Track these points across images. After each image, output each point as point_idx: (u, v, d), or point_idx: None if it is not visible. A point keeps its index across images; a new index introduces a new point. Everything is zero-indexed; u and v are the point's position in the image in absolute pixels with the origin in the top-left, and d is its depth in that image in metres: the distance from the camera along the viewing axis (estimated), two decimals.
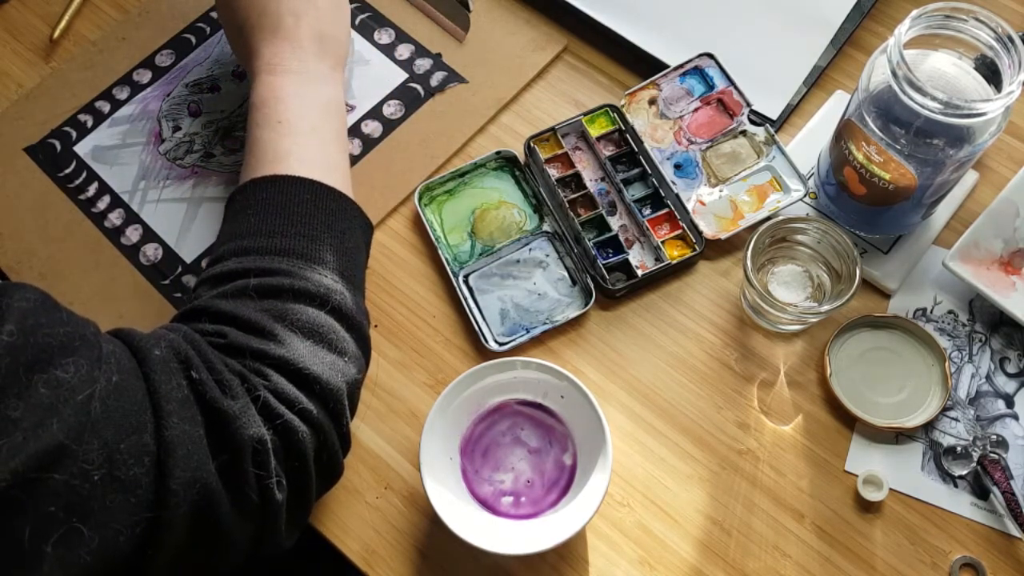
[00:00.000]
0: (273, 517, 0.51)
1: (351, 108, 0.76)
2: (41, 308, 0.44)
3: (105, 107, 0.77)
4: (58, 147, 0.75)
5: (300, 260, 0.56)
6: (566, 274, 0.69)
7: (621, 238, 0.70)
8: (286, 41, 0.65)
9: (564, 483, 0.59)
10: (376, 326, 0.68)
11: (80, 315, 0.48)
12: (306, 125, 0.63)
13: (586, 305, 0.67)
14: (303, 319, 0.54)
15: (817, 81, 0.75)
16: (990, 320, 0.67)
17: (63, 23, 0.81)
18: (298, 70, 0.65)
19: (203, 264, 0.70)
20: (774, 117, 0.73)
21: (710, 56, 0.74)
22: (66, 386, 0.43)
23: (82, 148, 0.75)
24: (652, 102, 0.74)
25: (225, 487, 0.48)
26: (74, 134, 0.76)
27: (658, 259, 0.69)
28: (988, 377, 0.65)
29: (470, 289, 0.69)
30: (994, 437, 0.62)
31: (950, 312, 0.67)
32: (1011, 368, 0.65)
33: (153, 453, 0.46)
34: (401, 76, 0.77)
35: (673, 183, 0.71)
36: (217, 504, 0.48)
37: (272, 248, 0.56)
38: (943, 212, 0.70)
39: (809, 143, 0.72)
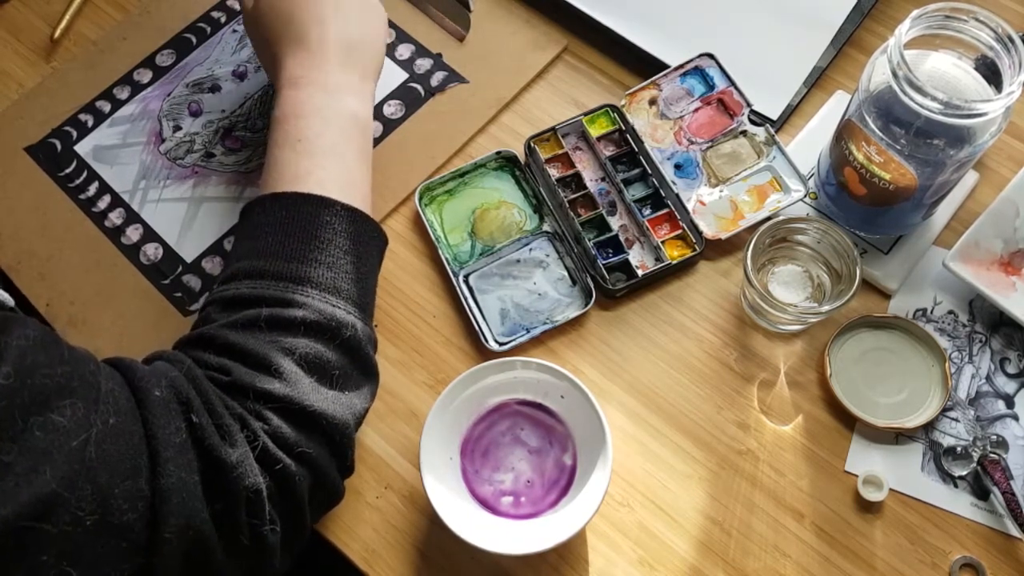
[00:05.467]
0: (267, 557, 0.51)
1: None
2: (40, 346, 0.44)
3: (106, 107, 0.77)
4: (58, 147, 0.75)
5: (315, 289, 0.55)
6: (566, 274, 0.69)
7: (621, 238, 0.70)
8: (311, 52, 0.63)
9: (564, 483, 0.59)
10: (376, 326, 0.68)
11: (80, 348, 0.47)
12: (327, 144, 0.61)
13: (586, 305, 0.67)
14: (312, 354, 0.53)
15: (817, 81, 0.75)
16: (990, 320, 0.67)
17: (64, 23, 0.81)
18: (322, 82, 0.63)
19: (203, 263, 0.70)
20: (774, 117, 0.73)
21: (710, 56, 0.74)
22: (62, 430, 0.42)
23: (82, 148, 0.75)
24: (652, 102, 0.74)
25: (218, 534, 0.48)
26: (74, 134, 0.76)
27: (658, 259, 0.69)
28: (988, 377, 0.65)
29: (470, 289, 0.69)
30: (994, 437, 0.62)
31: (950, 312, 0.67)
32: (1011, 368, 0.65)
33: (147, 499, 0.45)
34: (401, 76, 0.77)
35: (673, 183, 0.71)
36: (210, 550, 0.48)
37: (288, 275, 0.55)
38: (943, 212, 0.70)
39: (809, 143, 0.72)
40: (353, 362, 0.56)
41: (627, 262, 0.69)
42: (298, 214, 0.58)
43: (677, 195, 0.70)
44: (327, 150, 0.61)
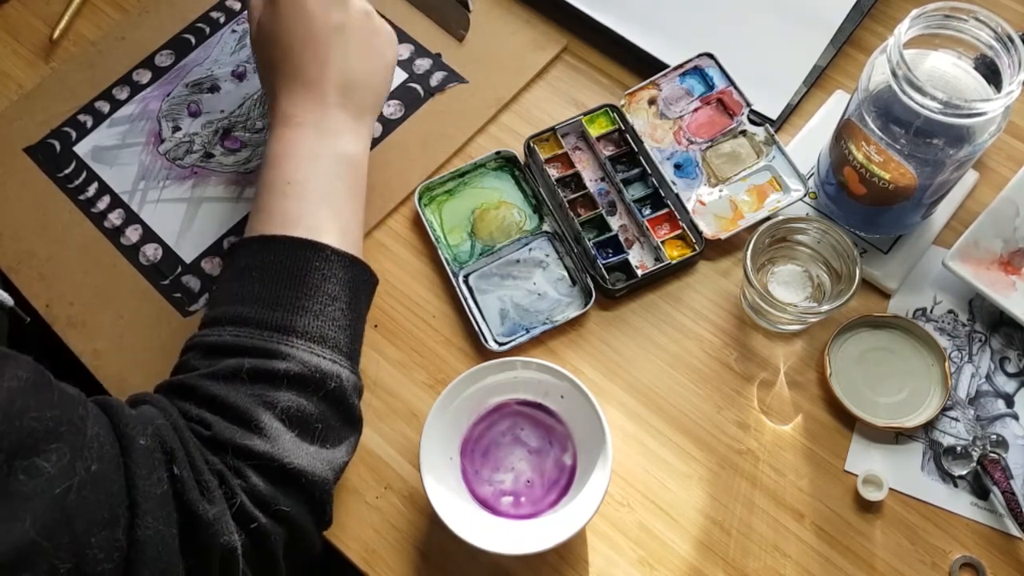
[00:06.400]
0: None
1: None
2: (31, 388, 0.43)
3: (105, 107, 0.77)
4: (58, 147, 0.75)
5: (300, 339, 0.54)
6: (566, 274, 0.69)
7: (621, 238, 0.70)
8: (307, 89, 0.62)
9: (564, 483, 0.58)
10: (376, 326, 0.68)
11: (71, 389, 0.47)
12: (316, 188, 0.60)
13: (586, 305, 0.67)
14: (294, 408, 0.53)
15: (817, 81, 0.75)
16: (990, 320, 0.67)
17: (63, 23, 0.81)
18: (315, 123, 0.61)
19: (202, 264, 0.70)
20: (774, 117, 0.73)
21: (710, 56, 0.74)
22: (46, 476, 0.42)
23: (82, 148, 0.75)
24: (652, 102, 0.74)
25: None
26: (74, 134, 0.76)
27: (658, 259, 0.69)
28: (988, 377, 0.65)
29: (470, 289, 0.69)
30: (994, 437, 0.62)
31: (950, 312, 0.67)
32: (1011, 368, 0.65)
33: (123, 550, 0.45)
34: (401, 76, 0.77)
35: (673, 183, 0.71)
36: None
37: (273, 323, 0.55)
38: (943, 212, 0.70)
39: (809, 143, 0.72)
40: (337, 413, 0.55)
41: (627, 262, 0.69)
42: (286, 259, 0.57)
43: (677, 195, 0.70)
44: (318, 194, 0.60)
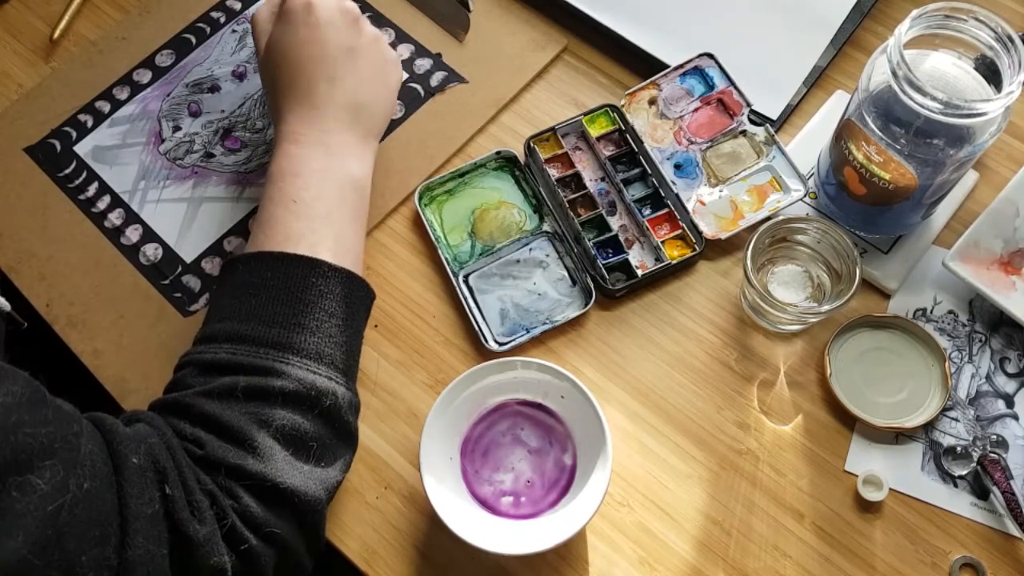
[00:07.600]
0: None
1: None
2: (26, 404, 0.43)
3: (105, 107, 0.77)
4: (58, 147, 0.75)
5: (296, 356, 0.54)
6: (566, 274, 0.69)
7: (621, 238, 0.70)
8: (316, 109, 0.62)
9: (564, 483, 0.59)
10: (376, 326, 0.68)
11: (66, 405, 0.47)
12: (322, 207, 0.60)
13: (586, 305, 0.67)
14: (288, 426, 0.53)
15: (817, 81, 0.75)
16: (990, 320, 0.67)
17: (63, 23, 0.81)
18: (323, 142, 0.62)
19: (203, 264, 0.70)
20: (774, 117, 0.73)
21: (710, 56, 0.74)
22: (39, 493, 0.42)
23: (82, 148, 0.75)
24: (652, 102, 0.74)
25: None
26: (74, 134, 0.76)
27: (658, 259, 0.69)
28: (988, 377, 0.65)
29: (470, 289, 0.69)
30: (994, 437, 0.62)
31: (950, 312, 0.67)
32: (1011, 368, 0.65)
33: (113, 568, 0.45)
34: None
35: (673, 183, 0.71)
36: None
37: (269, 340, 0.55)
38: (943, 212, 0.70)
39: (809, 143, 0.72)
40: (332, 431, 0.55)
41: (627, 262, 0.69)
42: (283, 276, 0.57)
43: (677, 195, 0.70)
44: (322, 214, 0.60)
